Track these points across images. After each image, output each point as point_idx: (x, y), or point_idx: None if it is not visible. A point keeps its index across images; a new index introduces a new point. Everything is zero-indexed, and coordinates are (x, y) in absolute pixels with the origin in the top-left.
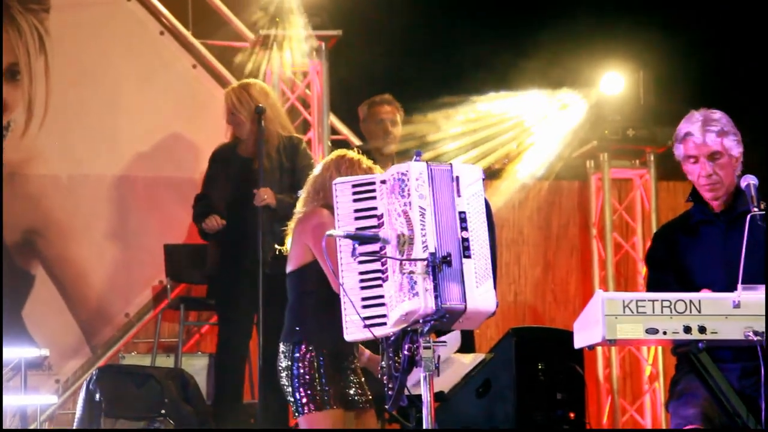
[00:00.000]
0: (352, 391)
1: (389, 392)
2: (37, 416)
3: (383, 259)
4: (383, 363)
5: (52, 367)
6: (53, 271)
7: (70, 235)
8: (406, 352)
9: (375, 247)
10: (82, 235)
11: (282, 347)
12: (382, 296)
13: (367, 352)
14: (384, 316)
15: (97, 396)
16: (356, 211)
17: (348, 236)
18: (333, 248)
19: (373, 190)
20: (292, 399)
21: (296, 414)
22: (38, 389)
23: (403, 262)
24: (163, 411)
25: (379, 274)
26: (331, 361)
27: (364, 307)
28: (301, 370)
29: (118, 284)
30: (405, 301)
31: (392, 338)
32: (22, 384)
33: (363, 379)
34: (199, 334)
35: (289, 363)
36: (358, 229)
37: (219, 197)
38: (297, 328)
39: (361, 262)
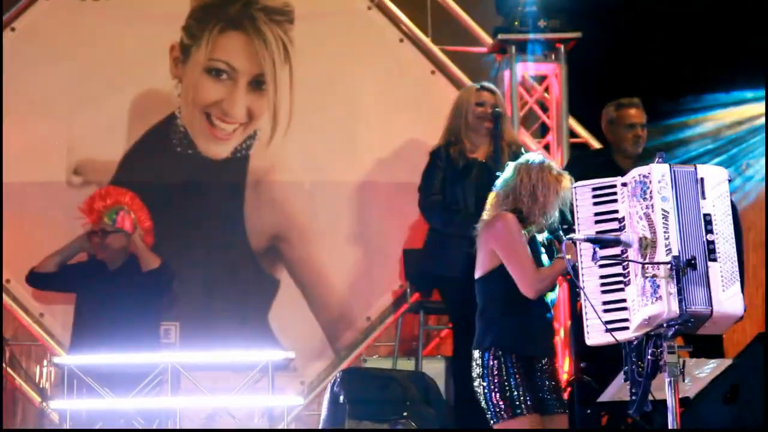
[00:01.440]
0: (545, 395)
1: (633, 397)
2: (284, 417)
3: (625, 263)
4: (626, 367)
5: (297, 369)
6: (297, 275)
7: (313, 239)
8: (649, 357)
9: (616, 250)
10: (324, 239)
11: (474, 354)
12: (623, 300)
13: None
14: (626, 320)
15: (342, 398)
16: (596, 214)
17: (589, 240)
18: (520, 250)
19: (614, 193)
20: (486, 406)
21: (491, 422)
22: (284, 390)
23: (646, 265)
24: (405, 413)
25: (620, 278)
26: (523, 365)
27: (606, 311)
28: (493, 378)
29: (359, 288)
30: (648, 305)
31: (635, 342)
32: (270, 385)
33: (558, 381)
34: (438, 338)
35: (481, 370)
36: (598, 232)
37: (455, 198)
38: (487, 335)
39: (602, 266)
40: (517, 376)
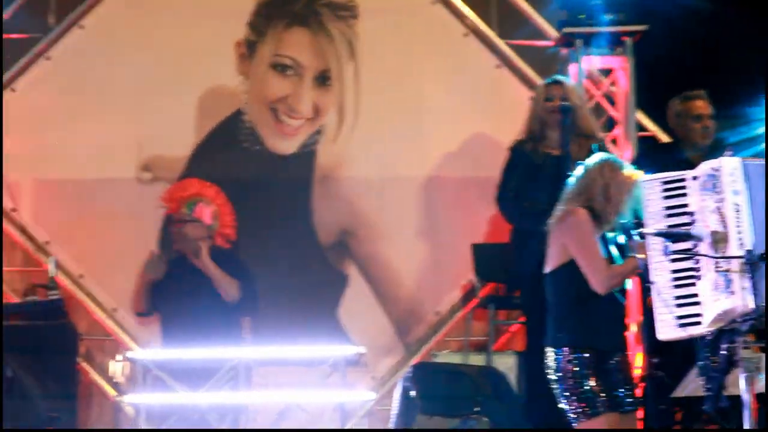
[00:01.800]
0: (619, 393)
1: (707, 392)
2: (356, 412)
3: (696, 257)
4: (700, 363)
5: (368, 364)
6: (366, 270)
7: (381, 235)
8: (724, 352)
9: (687, 244)
10: (392, 235)
11: (548, 352)
12: (695, 295)
13: None
14: (698, 315)
15: (413, 393)
16: (666, 208)
17: (659, 234)
18: (592, 246)
19: (684, 187)
20: (564, 407)
21: (571, 422)
22: (356, 385)
23: (718, 260)
24: (477, 408)
25: (692, 273)
26: (597, 363)
27: (678, 306)
28: (569, 380)
29: (427, 283)
30: (721, 299)
31: (708, 338)
32: (342, 380)
33: (631, 378)
34: (509, 333)
35: (556, 373)
36: (668, 226)
37: (531, 193)
38: (560, 332)
39: (673, 260)
40: (593, 376)
